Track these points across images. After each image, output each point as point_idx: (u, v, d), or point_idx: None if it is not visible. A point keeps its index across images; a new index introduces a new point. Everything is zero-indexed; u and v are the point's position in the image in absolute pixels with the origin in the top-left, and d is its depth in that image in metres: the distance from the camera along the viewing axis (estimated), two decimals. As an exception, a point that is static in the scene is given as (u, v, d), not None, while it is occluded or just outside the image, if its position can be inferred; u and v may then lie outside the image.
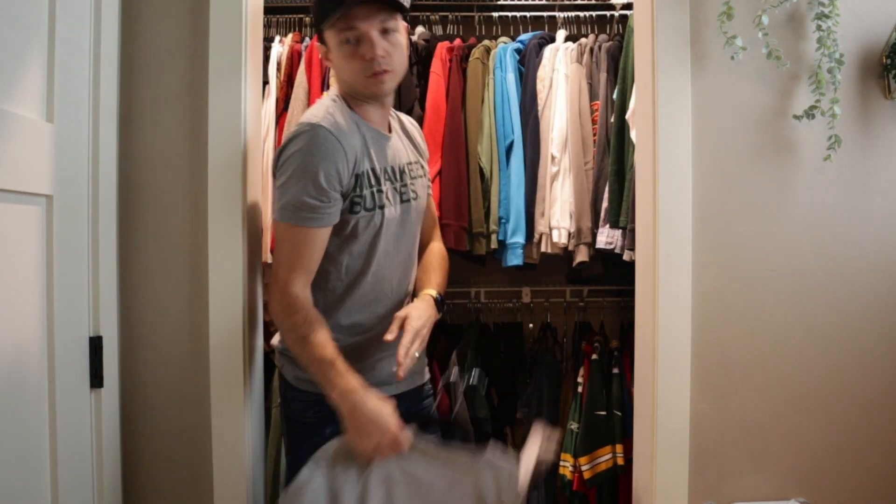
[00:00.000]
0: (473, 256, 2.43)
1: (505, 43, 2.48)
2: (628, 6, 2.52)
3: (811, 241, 1.52)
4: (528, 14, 2.69)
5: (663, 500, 1.50)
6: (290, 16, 2.67)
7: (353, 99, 1.40)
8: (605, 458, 2.24)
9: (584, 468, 2.24)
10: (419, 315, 1.36)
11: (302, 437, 1.42)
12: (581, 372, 2.39)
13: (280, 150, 1.35)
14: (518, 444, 2.56)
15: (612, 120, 2.20)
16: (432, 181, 2.29)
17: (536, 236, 2.38)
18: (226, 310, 1.45)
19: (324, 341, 1.29)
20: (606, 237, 2.20)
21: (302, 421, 1.43)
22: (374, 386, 1.28)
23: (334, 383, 1.25)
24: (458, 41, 2.48)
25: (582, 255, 2.34)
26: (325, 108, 1.36)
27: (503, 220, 2.35)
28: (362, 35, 1.34)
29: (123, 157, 1.44)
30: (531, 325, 2.71)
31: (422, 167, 1.55)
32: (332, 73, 2.34)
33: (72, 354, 1.26)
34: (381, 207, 1.38)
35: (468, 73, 2.42)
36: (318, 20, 1.38)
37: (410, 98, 2.39)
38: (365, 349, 1.41)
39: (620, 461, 2.24)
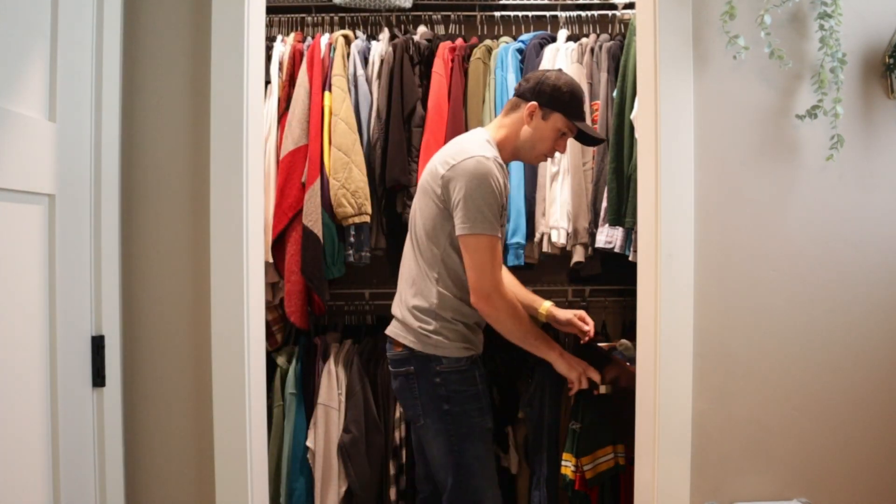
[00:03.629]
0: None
1: (507, 43, 2.48)
2: (630, 6, 2.52)
3: (813, 241, 1.52)
4: (530, 14, 2.69)
5: (665, 499, 1.50)
6: (292, 15, 2.67)
7: (501, 149, 1.83)
8: (607, 457, 2.24)
9: (585, 468, 2.24)
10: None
11: (465, 390, 1.79)
12: (583, 372, 2.38)
13: (457, 176, 1.71)
14: (520, 444, 2.57)
15: (612, 118, 2.20)
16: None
17: (538, 236, 2.38)
18: (228, 308, 1.45)
19: (532, 323, 1.85)
20: (606, 236, 2.20)
21: (462, 378, 1.78)
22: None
23: (552, 347, 1.85)
24: (460, 41, 2.48)
25: (578, 256, 2.34)
26: (489, 147, 1.79)
27: (503, 220, 2.35)
28: (569, 140, 1.93)
29: (126, 157, 1.44)
30: (533, 325, 2.71)
31: None
32: (334, 71, 2.35)
33: (74, 353, 1.26)
34: (501, 226, 1.82)
35: (469, 73, 2.42)
36: (567, 109, 1.83)
37: (413, 98, 2.40)
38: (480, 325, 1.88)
39: (622, 461, 2.24)
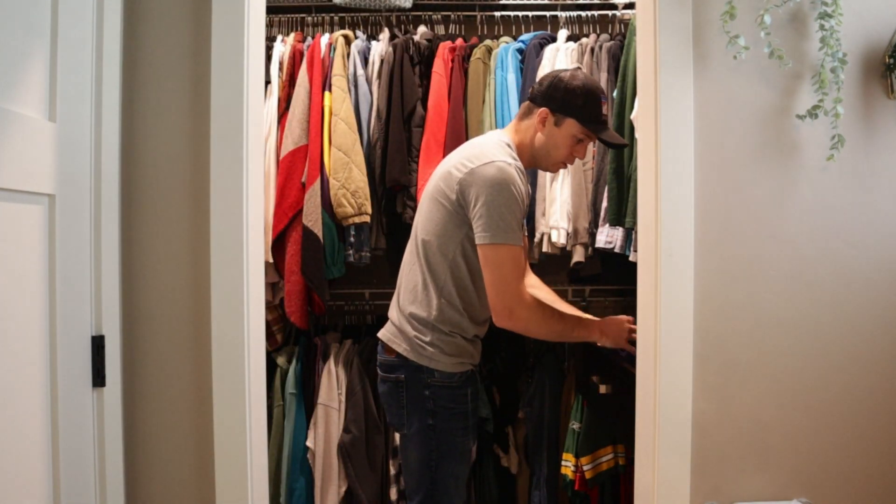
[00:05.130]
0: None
1: (507, 43, 2.48)
2: (630, 6, 2.52)
3: (814, 241, 1.52)
4: (530, 14, 2.69)
5: (665, 499, 1.50)
6: (292, 15, 2.67)
7: (519, 155, 1.74)
8: (607, 457, 2.24)
9: (585, 468, 2.24)
10: None
11: (453, 407, 1.72)
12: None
13: (477, 181, 1.62)
14: (520, 444, 2.57)
15: (612, 118, 2.20)
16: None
17: (538, 236, 2.38)
18: (228, 309, 1.45)
19: (566, 314, 1.79)
20: (606, 236, 2.20)
21: (452, 395, 1.71)
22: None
23: (590, 329, 1.77)
24: (460, 41, 2.48)
25: (578, 256, 2.34)
26: (509, 152, 1.70)
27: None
28: (588, 146, 1.81)
29: (126, 156, 1.44)
30: (533, 325, 2.70)
31: None
32: (334, 71, 2.35)
33: (74, 353, 1.26)
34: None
35: (469, 73, 2.42)
36: (581, 114, 1.70)
37: (413, 98, 2.40)
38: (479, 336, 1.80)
39: (622, 461, 2.25)
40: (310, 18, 2.68)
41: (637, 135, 1.96)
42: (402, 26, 2.66)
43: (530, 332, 1.71)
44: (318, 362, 2.45)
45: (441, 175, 1.72)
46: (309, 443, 2.37)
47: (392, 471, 2.39)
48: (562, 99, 1.71)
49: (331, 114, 2.33)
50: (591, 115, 1.71)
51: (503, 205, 1.60)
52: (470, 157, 1.67)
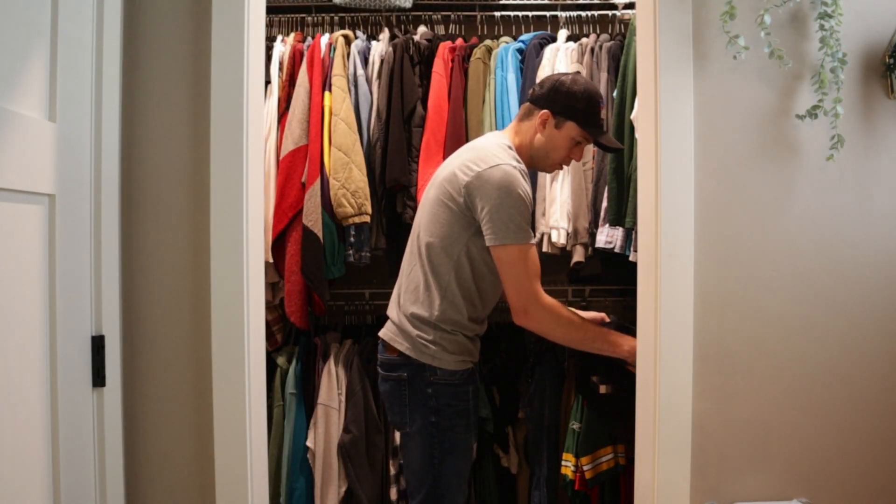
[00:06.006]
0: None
1: (507, 43, 2.48)
2: (630, 6, 2.52)
3: (814, 241, 1.52)
4: (530, 14, 2.69)
5: (664, 499, 1.50)
6: (292, 15, 2.67)
7: (519, 155, 1.77)
8: (607, 457, 2.24)
9: (585, 468, 2.24)
10: None
11: (456, 405, 1.73)
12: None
13: (484, 184, 1.65)
14: (520, 444, 2.57)
15: (612, 118, 2.20)
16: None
17: (538, 236, 2.38)
18: (228, 309, 1.45)
19: (589, 325, 1.78)
20: (606, 236, 2.20)
21: (454, 393, 1.73)
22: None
23: (617, 343, 1.73)
24: (460, 41, 2.48)
25: (578, 256, 2.34)
26: (512, 154, 1.73)
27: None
28: (586, 148, 1.89)
29: (126, 156, 1.44)
30: (533, 325, 2.70)
31: None
32: (334, 71, 2.35)
33: (74, 353, 1.26)
34: None
35: (469, 73, 2.42)
36: (581, 118, 1.75)
37: (413, 98, 2.40)
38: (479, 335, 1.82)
39: (622, 461, 2.25)
40: (310, 18, 2.68)
41: (637, 135, 1.96)
42: (402, 26, 2.66)
43: (546, 333, 1.74)
44: (318, 362, 2.45)
45: (446, 177, 1.74)
46: (309, 443, 2.37)
47: (392, 471, 2.39)
48: (563, 102, 1.75)
49: (331, 114, 2.33)
50: (590, 119, 1.77)
51: (512, 206, 1.63)
52: (475, 160, 1.69)
